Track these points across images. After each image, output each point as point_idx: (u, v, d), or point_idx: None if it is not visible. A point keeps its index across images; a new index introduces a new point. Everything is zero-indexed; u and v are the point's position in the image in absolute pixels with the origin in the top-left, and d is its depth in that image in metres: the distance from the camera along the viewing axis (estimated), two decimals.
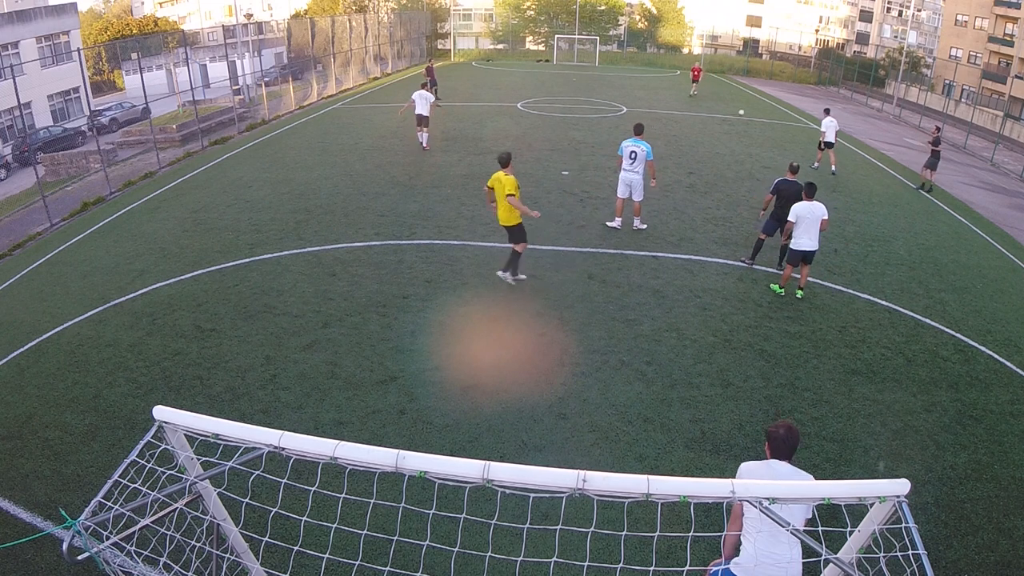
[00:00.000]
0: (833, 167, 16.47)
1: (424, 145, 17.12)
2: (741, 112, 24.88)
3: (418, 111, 16.76)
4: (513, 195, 8.54)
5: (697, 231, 11.65)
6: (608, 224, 11.53)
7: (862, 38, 58.49)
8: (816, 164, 17.01)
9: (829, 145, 16.40)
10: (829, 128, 16.29)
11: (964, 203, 15.51)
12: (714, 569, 3.77)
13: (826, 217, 8.69)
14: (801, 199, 8.81)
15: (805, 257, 8.88)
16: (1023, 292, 10.25)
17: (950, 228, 13.19)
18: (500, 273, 9.22)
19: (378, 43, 33.92)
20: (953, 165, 21.18)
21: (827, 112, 16.84)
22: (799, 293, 9.15)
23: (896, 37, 55.27)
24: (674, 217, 12.30)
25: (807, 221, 8.63)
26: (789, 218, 8.69)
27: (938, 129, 16.61)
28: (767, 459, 4.04)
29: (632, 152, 10.91)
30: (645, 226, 11.49)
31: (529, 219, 8.94)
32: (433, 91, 23.19)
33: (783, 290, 9.25)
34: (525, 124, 20.82)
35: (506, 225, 8.92)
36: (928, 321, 8.81)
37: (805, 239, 8.70)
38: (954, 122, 30.04)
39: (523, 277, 9.32)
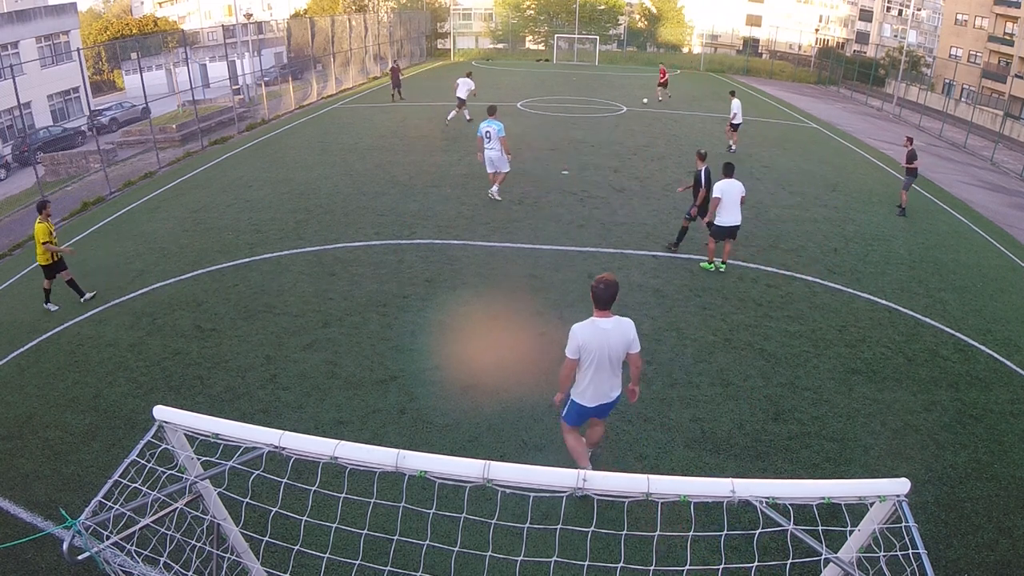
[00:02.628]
0: (733, 145, 17.98)
1: (447, 119, 20.59)
2: (645, 101, 24.37)
3: (458, 94, 20.11)
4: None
5: (697, 230, 11.62)
6: (488, 192, 12.98)
7: (862, 37, 58.45)
8: (733, 146, 18.01)
9: (735, 127, 17.90)
10: (739, 110, 17.83)
11: (964, 202, 15.51)
12: (565, 413, 5.08)
13: (744, 194, 9.50)
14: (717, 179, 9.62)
15: (731, 232, 9.58)
16: (1023, 291, 10.24)
17: (950, 227, 13.19)
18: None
19: (378, 43, 33.92)
20: (953, 164, 21.18)
21: (732, 94, 18.26)
22: (723, 267, 9.86)
23: (896, 36, 55.24)
24: (674, 216, 12.29)
25: (730, 198, 9.32)
26: (715, 195, 9.27)
27: (911, 141, 13.99)
28: (592, 317, 4.76)
29: (487, 132, 12.31)
30: (500, 198, 12.83)
31: (529, 219, 9.03)
32: (397, 92, 23.81)
33: (712, 265, 9.84)
34: (525, 124, 20.81)
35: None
36: (928, 320, 8.81)
37: (728, 215, 9.35)
38: (954, 121, 30.03)
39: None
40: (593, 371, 4.78)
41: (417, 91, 27.79)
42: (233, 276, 9.61)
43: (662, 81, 26.56)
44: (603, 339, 4.69)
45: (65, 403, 6.71)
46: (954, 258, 11.31)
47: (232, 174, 15.38)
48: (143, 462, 3.06)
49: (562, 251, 10.55)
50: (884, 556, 2.69)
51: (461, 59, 44.91)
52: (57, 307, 8.83)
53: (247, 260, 10.15)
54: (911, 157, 13.59)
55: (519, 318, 8.43)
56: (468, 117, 20.45)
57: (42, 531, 4.94)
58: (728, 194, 9.29)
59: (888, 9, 57.41)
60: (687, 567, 3.70)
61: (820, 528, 2.80)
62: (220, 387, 6.92)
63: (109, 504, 2.94)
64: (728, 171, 9.44)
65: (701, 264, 9.97)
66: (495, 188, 12.87)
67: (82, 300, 8.94)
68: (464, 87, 20.04)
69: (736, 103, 17.88)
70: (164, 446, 3.16)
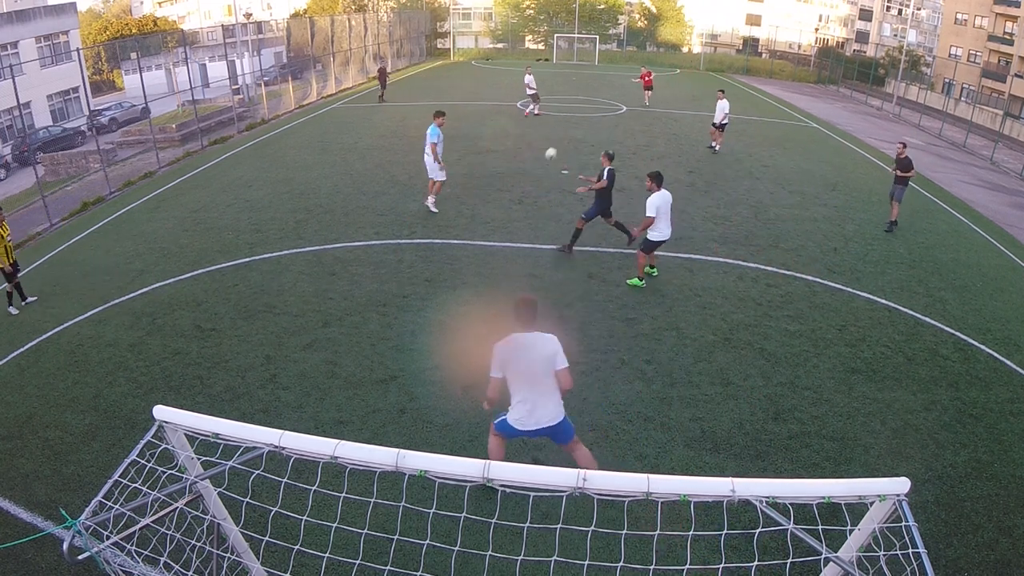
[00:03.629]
0: (716, 145, 17.66)
1: (526, 113, 22.21)
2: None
3: (531, 90, 21.98)
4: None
5: (696, 230, 11.64)
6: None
7: (862, 37, 58.43)
8: (716, 146, 17.68)
9: (722, 127, 17.46)
10: (725, 110, 17.29)
11: (964, 201, 15.51)
12: (497, 420, 4.88)
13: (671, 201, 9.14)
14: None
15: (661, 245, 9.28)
16: (1023, 291, 10.24)
17: (950, 227, 13.18)
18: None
19: (377, 42, 33.90)
20: (953, 164, 21.18)
21: (722, 94, 17.60)
22: (655, 271, 9.64)
23: (896, 36, 55.22)
24: (673, 216, 12.27)
25: (665, 211, 8.92)
26: (649, 213, 8.78)
27: (904, 146, 12.51)
28: (512, 334, 4.65)
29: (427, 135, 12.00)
30: (436, 211, 12.12)
31: (529, 218, 9.03)
32: (382, 94, 24.15)
33: (642, 281, 9.38)
34: (525, 123, 20.81)
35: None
36: (928, 320, 8.81)
37: (664, 228, 8.98)
38: (954, 120, 30.02)
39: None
40: (525, 390, 4.64)
41: (417, 91, 27.79)
42: (233, 276, 9.61)
43: (647, 84, 25.06)
44: (524, 355, 4.59)
45: (65, 403, 6.71)
46: (954, 257, 11.31)
47: (232, 174, 15.38)
48: (143, 462, 3.06)
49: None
50: (884, 555, 2.70)
51: (461, 59, 44.90)
52: (17, 311, 8.77)
53: (247, 260, 10.15)
54: (906, 165, 12.11)
55: None
56: (537, 112, 22.03)
57: (42, 531, 4.94)
58: (663, 208, 8.85)
59: (888, 8, 57.39)
60: (687, 566, 3.70)
61: (820, 527, 2.80)
62: (220, 387, 6.92)
63: (109, 504, 2.94)
64: (660, 181, 8.93)
65: (628, 282, 9.39)
66: (431, 199, 12.17)
67: (12, 310, 8.78)
68: (531, 79, 22.05)
69: (722, 103, 17.29)
70: (164, 446, 3.16)
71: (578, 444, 5.05)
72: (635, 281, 9.36)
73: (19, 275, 8.98)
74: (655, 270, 9.62)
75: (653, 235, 8.98)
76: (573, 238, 10.37)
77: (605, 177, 9.93)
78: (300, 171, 15.19)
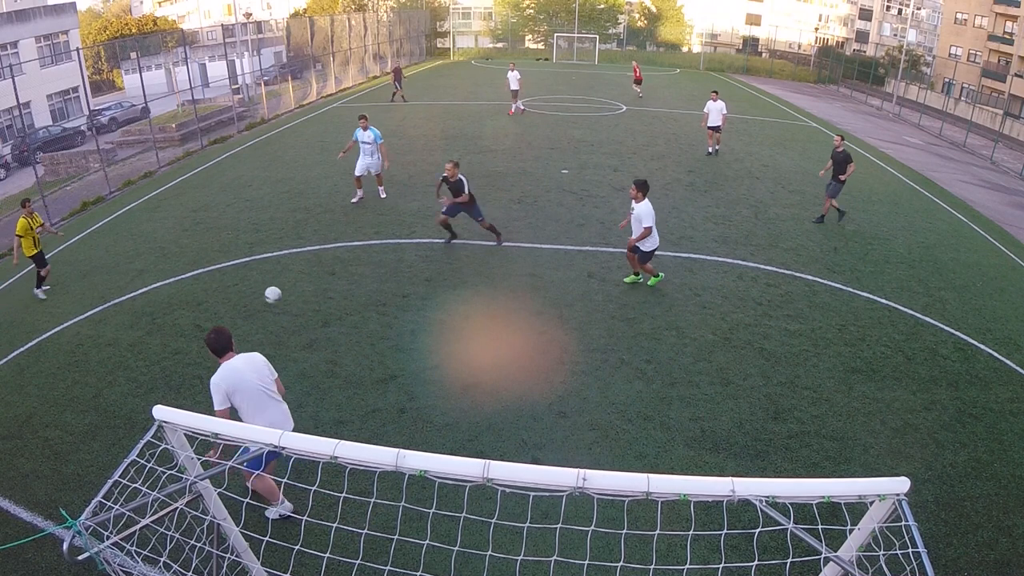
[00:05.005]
0: (712, 147, 17.23)
1: (510, 112, 22.09)
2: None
3: (512, 87, 21.78)
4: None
5: (696, 229, 11.64)
6: (352, 201, 12.67)
7: (862, 36, 58.43)
8: (711, 150, 17.26)
9: (715, 129, 16.92)
10: (715, 111, 16.73)
11: (964, 201, 15.51)
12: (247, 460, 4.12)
13: None
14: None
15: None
16: (1023, 290, 10.25)
17: (950, 226, 13.18)
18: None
19: (377, 42, 33.90)
20: (953, 163, 21.18)
21: (715, 95, 16.96)
22: (639, 278, 9.42)
23: (896, 35, 55.22)
24: (673, 216, 12.30)
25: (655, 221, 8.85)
26: (648, 223, 8.62)
27: (841, 139, 12.23)
28: (221, 365, 4.70)
29: (363, 143, 12.48)
30: (385, 195, 13.02)
31: (528, 218, 9.03)
32: (398, 93, 24.00)
33: (661, 275, 9.38)
34: (525, 122, 20.81)
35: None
36: (928, 319, 8.81)
37: (657, 235, 8.88)
38: (954, 120, 30.02)
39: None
40: (254, 409, 4.67)
41: (417, 90, 27.77)
42: (233, 275, 9.61)
43: (637, 78, 27.21)
44: (241, 377, 4.63)
45: (65, 403, 6.71)
46: (954, 257, 11.31)
47: (231, 173, 15.37)
48: (143, 462, 3.06)
49: (562, 250, 10.54)
50: (884, 555, 2.70)
51: (461, 58, 44.89)
52: (44, 297, 9.27)
53: (247, 259, 10.14)
54: (842, 162, 11.78)
55: (519, 317, 8.43)
56: (521, 108, 22.15)
57: (42, 531, 4.94)
58: (655, 219, 8.76)
59: (888, 8, 57.38)
60: (687, 566, 3.70)
61: (820, 527, 2.80)
62: None
63: (109, 504, 2.94)
64: (647, 189, 8.78)
65: (649, 283, 9.36)
66: (380, 189, 13.03)
67: (36, 292, 9.36)
68: (514, 79, 21.69)
69: (717, 104, 16.55)
70: (164, 446, 3.16)
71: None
72: (654, 280, 9.32)
73: (46, 266, 9.56)
74: (639, 277, 9.41)
75: (648, 245, 8.84)
76: (449, 232, 10.66)
77: (465, 190, 9.99)
78: (300, 171, 15.19)
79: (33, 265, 9.47)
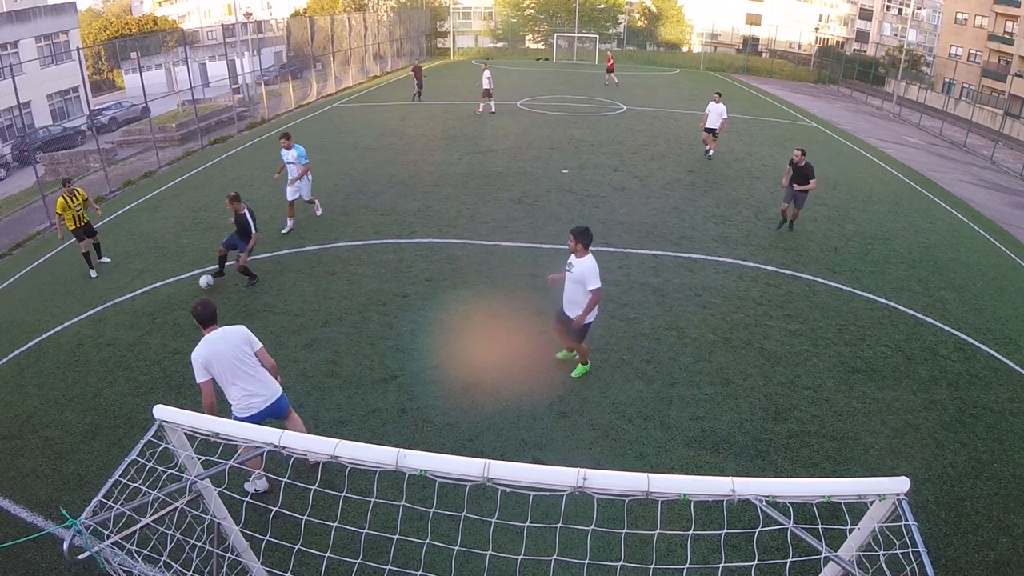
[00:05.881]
0: (711, 150, 16.78)
1: (477, 110, 22.07)
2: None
3: (485, 86, 21.58)
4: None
5: (697, 229, 11.65)
6: (283, 231, 11.22)
7: (862, 36, 58.42)
8: (711, 152, 16.80)
9: (712, 132, 16.44)
10: (716, 114, 16.19)
11: (964, 201, 15.50)
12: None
13: None
14: None
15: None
16: (1023, 290, 10.24)
17: (950, 226, 13.18)
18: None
19: (377, 41, 33.89)
20: (953, 163, 21.18)
21: (717, 96, 16.40)
22: (573, 354, 7.24)
23: (896, 35, 55.21)
24: (674, 215, 12.30)
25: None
26: (592, 285, 6.32)
27: (802, 153, 11.16)
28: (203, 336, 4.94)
29: (288, 163, 11.18)
30: (320, 211, 12.13)
31: (529, 218, 8.97)
32: (419, 93, 23.62)
33: (585, 366, 7.14)
34: (525, 122, 20.81)
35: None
36: (928, 319, 8.81)
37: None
38: (954, 120, 30.01)
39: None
40: (228, 380, 4.90)
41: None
42: (233, 275, 9.60)
43: (609, 67, 30.87)
44: (215, 349, 4.84)
45: (65, 402, 6.71)
46: (954, 257, 11.31)
47: (232, 173, 15.37)
48: (143, 461, 3.06)
49: (562, 250, 10.52)
50: (884, 555, 2.70)
51: (461, 58, 44.88)
52: (96, 274, 9.88)
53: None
54: (805, 176, 11.08)
55: (519, 317, 8.43)
56: (492, 109, 21.87)
57: (42, 530, 4.94)
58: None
59: (888, 8, 57.38)
60: (687, 566, 3.70)
61: (820, 527, 2.80)
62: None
63: (109, 503, 2.94)
64: (590, 241, 6.46)
65: (573, 374, 7.12)
66: (316, 207, 12.02)
67: (91, 272, 9.91)
68: (485, 79, 21.51)
69: (719, 107, 16.06)
70: (164, 445, 3.16)
71: (291, 413, 5.36)
72: (581, 369, 7.10)
73: (93, 236, 10.11)
74: (573, 354, 7.26)
75: (592, 316, 6.61)
76: (221, 264, 9.30)
77: (250, 226, 8.81)
78: None
79: (73, 240, 9.97)
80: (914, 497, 5.05)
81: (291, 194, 11.21)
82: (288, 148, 11.08)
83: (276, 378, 5.19)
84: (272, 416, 5.14)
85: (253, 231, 8.88)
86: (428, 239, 10.91)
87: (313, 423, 6.30)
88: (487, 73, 21.59)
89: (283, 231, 11.26)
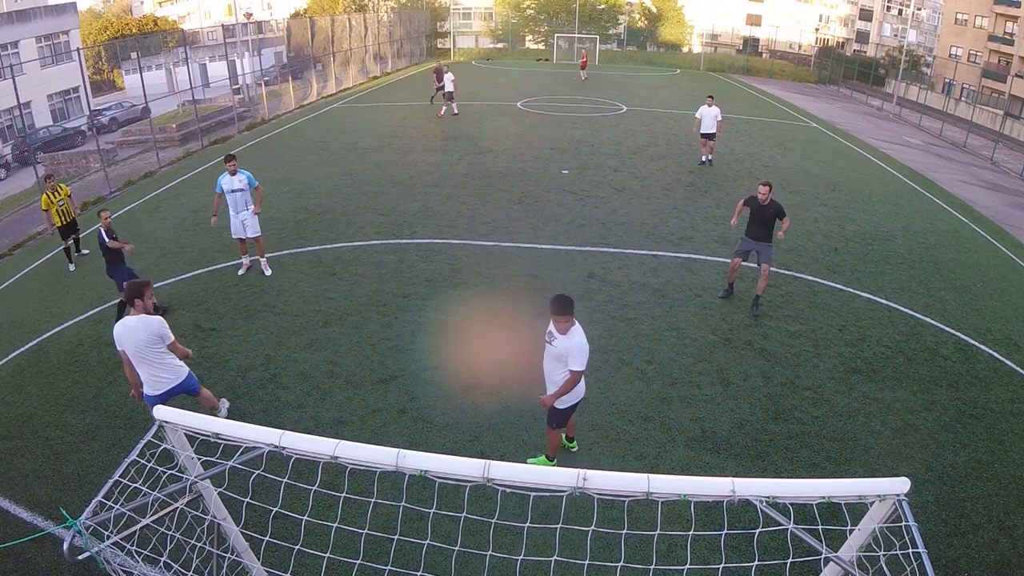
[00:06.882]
0: (705, 156, 16.05)
1: (439, 113, 22.10)
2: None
3: (447, 89, 21.65)
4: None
5: (697, 230, 11.65)
6: (239, 273, 9.62)
7: (862, 37, 58.43)
8: (704, 159, 16.05)
9: (709, 136, 15.69)
10: (709, 117, 15.48)
11: (964, 202, 15.50)
12: (150, 400, 5.47)
13: None
14: None
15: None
16: (1023, 291, 10.24)
17: (950, 227, 13.18)
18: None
19: (378, 42, 33.90)
20: (953, 164, 21.18)
21: (710, 99, 15.82)
22: (573, 445, 6.11)
23: (896, 36, 55.22)
24: (674, 216, 12.30)
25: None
26: (575, 367, 5.06)
27: (769, 188, 8.32)
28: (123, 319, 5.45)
29: (233, 192, 9.07)
30: (270, 271, 9.56)
31: (529, 218, 8.95)
32: (440, 93, 22.58)
33: (554, 461, 5.75)
34: (525, 123, 20.81)
35: None
36: (928, 320, 8.80)
37: (584, 387, 5.46)
38: (954, 120, 30.01)
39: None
40: (140, 364, 5.38)
41: (417, 90, 27.76)
42: (233, 276, 9.60)
43: (583, 64, 34.29)
44: (125, 333, 5.29)
45: (65, 403, 6.71)
46: (954, 257, 11.31)
47: None
48: (143, 462, 3.07)
49: (562, 250, 10.54)
50: (884, 555, 2.70)
51: (461, 58, 44.89)
52: (75, 267, 10.23)
53: (247, 259, 10.12)
54: (773, 216, 8.29)
55: (519, 317, 8.42)
56: (455, 112, 22.01)
57: (42, 531, 4.94)
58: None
59: (888, 8, 57.39)
60: (687, 566, 3.70)
61: (820, 527, 2.80)
62: (220, 387, 6.92)
63: (109, 504, 2.94)
64: (570, 310, 5.07)
65: (529, 460, 5.75)
66: (263, 260, 9.61)
67: (70, 267, 10.27)
68: (448, 81, 21.65)
69: (706, 109, 15.46)
70: (164, 446, 3.16)
71: (202, 390, 5.91)
72: (542, 460, 5.74)
73: (75, 234, 10.45)
74: (574, 444, 6.11)
75: (569, 399, 5.29)
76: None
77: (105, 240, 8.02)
78: (300, 171, 15.18)
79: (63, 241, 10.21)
80: (914, 498, 5.05)
81: (235, 231, 9.27)
82: (233, 173, 9.02)
83: (188, 359, 5.75)
84: (183, 393, 5.66)
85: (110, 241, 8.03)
86: (428, 239, 10.92)
87: (313, 423, 6.31)
88: (450, 76, 21.72)
89: (239, 272, 9.61)
